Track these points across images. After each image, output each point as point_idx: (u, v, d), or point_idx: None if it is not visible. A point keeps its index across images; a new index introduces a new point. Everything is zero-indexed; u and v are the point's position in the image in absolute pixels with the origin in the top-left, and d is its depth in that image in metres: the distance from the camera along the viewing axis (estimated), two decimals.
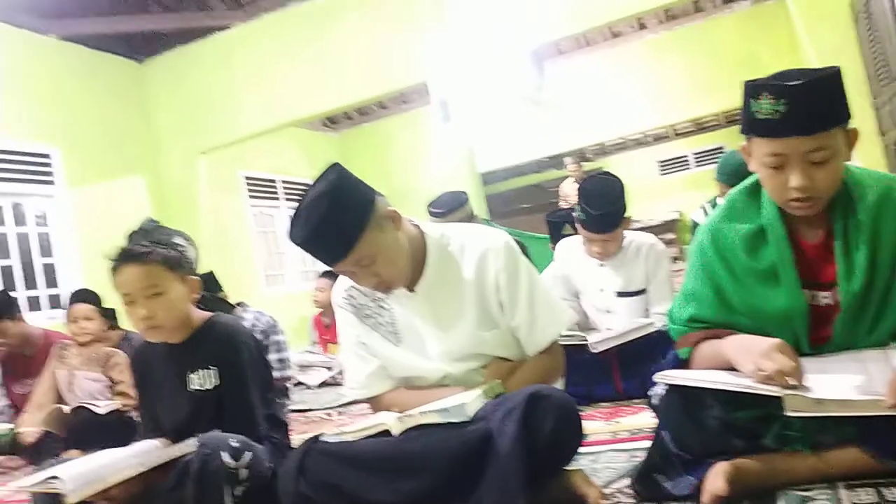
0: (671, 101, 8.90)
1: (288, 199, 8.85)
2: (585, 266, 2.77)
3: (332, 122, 9.72)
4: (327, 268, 1.72)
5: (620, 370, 2.51)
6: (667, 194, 11.51)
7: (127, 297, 1.71)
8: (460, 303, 1.58)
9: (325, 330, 5.14)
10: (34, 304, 5.70)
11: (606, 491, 1.46)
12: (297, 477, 1.37)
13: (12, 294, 4.44)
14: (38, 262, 5.88)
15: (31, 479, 1.62)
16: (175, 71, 6.94)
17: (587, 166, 10.15)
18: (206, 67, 6.74)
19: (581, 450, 1.46)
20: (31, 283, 5.79)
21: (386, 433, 1.41)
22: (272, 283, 8.34)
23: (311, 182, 1.48)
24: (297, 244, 1.46)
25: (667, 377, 1.37)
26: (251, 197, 8.30)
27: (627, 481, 1.48)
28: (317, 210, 1.41)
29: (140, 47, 7.01)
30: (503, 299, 1.56)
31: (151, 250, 1.72)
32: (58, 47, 6.27)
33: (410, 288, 1.60)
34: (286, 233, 1.52)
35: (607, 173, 2.79)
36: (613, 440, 1.96)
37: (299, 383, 4.65)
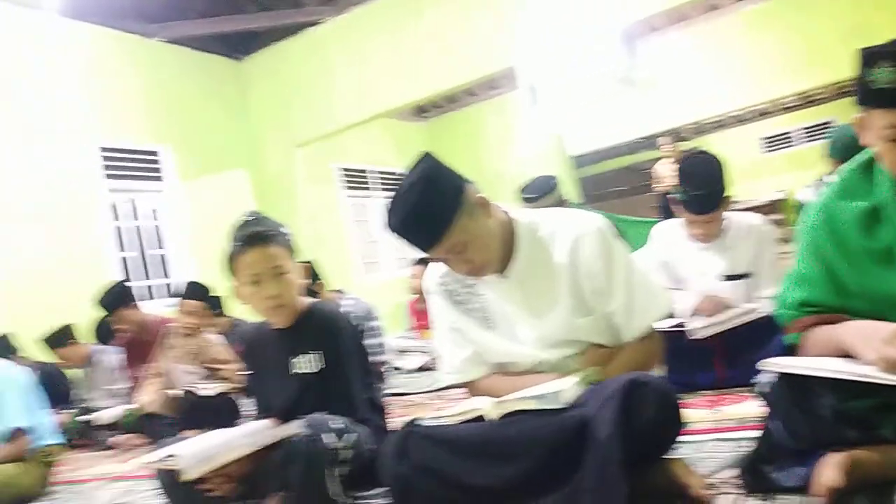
0: (774, 75, 8.41)
1: (380, 189, 9.04)
2: (686, 250, 2.68)
3: (421, 110, 9.82)
4: (422, 255, 1.74)
5: (723, 357, 2.42)
6: (770, 173, 10.96)
7: (254, 276, 1.79)
8: (553, 289, 1.57)
9: (421, 315, 5.22)
10: (149, 293, 6.10)
11: (710, 481, 1.42)
12: (397, 459, 1.41)
13: (128, 284, 4.77)
14: (151, 254, 6.30)
15: (153, 456, 1.74)
16: (272, 67, 7.20)
17: (683, 146, 9.78)
18: (300, 63, 6.95)
19: (682, 439, 1.42)
20: (145, 273, 6.21)
21: (482, 418, 1.43)
22: (368, 270, 8.55)
23: (401, 171, 1.51)
24: (392, 232, 1.49)
25: (775, 365, 1.31)
26: (345, 188, 8.52)
27: (732, 472, 1.43)
28: (410, 199, 1.44)
29: (238, 46, 7.31)
30: (598, 285, 1.54)
31: (276, 233, 1.81)
32: (164, 50, 6.63)
33: (502, 274, 1.60)
34: (381, 221, 1.56)
35: (705, 152, 2.68)
36: (717, 429, 1.90)
37: (396, 368, 4.76)
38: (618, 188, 11.92)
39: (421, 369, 4.69)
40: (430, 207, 1.43)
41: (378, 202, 8.90)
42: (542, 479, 1.31)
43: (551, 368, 1.59)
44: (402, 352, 4.89)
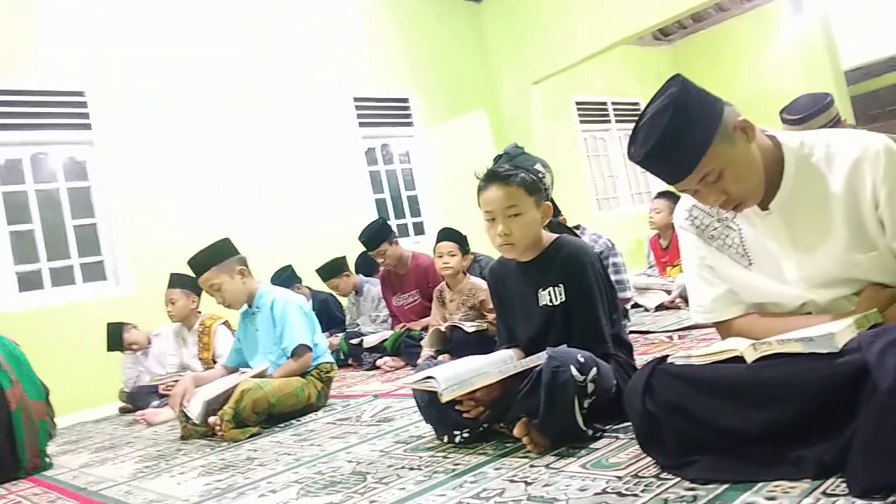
0: None
1: (619, 122, 8.70)
2: None
3: (664, 34, 9.18)
4: (663, 188, 1.65)
5: None
6: None
7: (488, 213, 1.89)
8: (826, 222, 1.39)
9: (663, 252, 5.02)
10: (402, 230, 6.63)
11: None
12: (643, 395, 1.38)
13: (388, 222, 5.20)
14: (404, 195, 6.82)
15: (413, 378, 1.91)
16: (508, 6, 7.20)
17: None
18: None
19: None
20: (399, 213, 6.75)
21: (735, 360, 1.34)
22: (605, 206, 8.38)
23: (642, 101, 1.43)
24: (637, 163, 1.42)
25: None
26: (582, 122, 8.35)
27: None
28: (657, 125, 1.35)
29: None
30: (884, 215, 1.33)
31: (515, 174, 1.86)
32: (407, 0, 6.97)
33: (763, 206, 1.46)
34: (621, 154, 1.50)
35: None
36: None
37: (636, 305, 4.65)
38: None
39: (663, 307, 4.54)
40: (680, 134, 1.34)
41: (616, 135, 8.60)
42: (806, 428, 1.20)
43: (820, 310, 1.44)
44: (644, 290, 4.76)
